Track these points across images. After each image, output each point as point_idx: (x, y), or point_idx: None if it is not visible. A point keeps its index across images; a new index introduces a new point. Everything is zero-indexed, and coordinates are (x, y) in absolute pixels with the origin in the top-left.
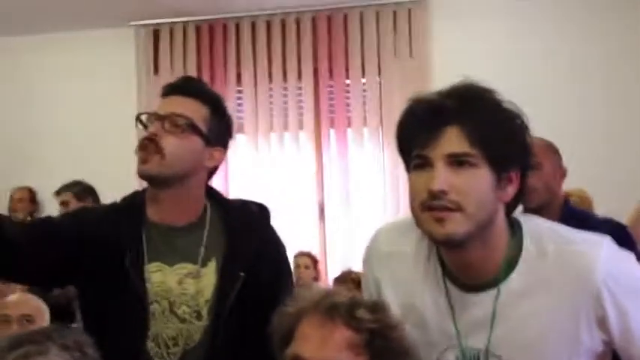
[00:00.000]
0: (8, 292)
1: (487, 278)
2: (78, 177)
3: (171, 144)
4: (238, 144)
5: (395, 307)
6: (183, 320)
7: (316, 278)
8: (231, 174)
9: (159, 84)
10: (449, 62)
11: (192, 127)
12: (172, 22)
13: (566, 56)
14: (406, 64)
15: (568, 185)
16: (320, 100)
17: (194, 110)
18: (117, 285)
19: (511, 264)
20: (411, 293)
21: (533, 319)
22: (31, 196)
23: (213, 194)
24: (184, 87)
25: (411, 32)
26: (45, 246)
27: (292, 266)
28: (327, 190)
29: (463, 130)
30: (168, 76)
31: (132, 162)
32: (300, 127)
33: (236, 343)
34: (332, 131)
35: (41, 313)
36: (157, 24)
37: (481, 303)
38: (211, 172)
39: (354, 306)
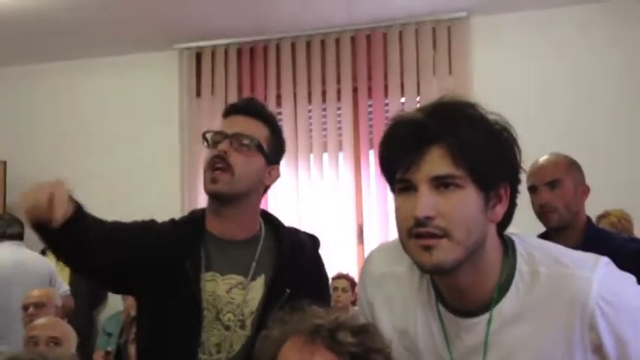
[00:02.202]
0: (41, 315)
1: (480, 302)
2: (123, 194)
3: (240, 162)
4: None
5: (388, 330)
6: (227, 327)
7: (354, 302)
8: (270, 195)
9: (200, 105)
10: (488, 79)
11: (258, 147)
12: (214, 45)
13: (606, 73)
14: (445, 81)
15: (611, 205)
16: (359, 120)
17: (257, 130)
18: (175, 293)
19: (504, 287)
20: (404, 316)
21: (526, 345)
22: None
23: (268, 217)
24: (247, 107)
25: (451, 50)
26: (112, 247)
27: (331, 289)
28: (366, 212)
29: (447, 149)
30: (209, 98)
31: (175, 179)
32: (340, 147)
33: None
34: (371, 152)
35: (68, 337)
36: (200, 47)
37: (474, 329)
38: (267, 189)
39: (336, 328)
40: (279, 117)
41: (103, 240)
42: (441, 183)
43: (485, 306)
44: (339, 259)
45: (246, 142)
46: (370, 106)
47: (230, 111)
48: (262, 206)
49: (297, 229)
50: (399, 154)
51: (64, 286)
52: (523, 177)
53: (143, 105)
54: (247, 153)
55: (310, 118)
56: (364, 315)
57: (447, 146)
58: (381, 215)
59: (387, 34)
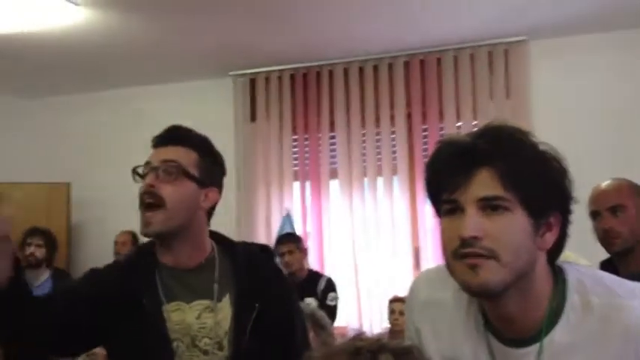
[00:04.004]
0: None
1: (529, 332)
2: None
3: (169, 192)
4: (332, 189)
5: (435, 357)
6: (205, 352)
7: None
8: (325, 219)
9: (256, 131)
10: (548, 102)
11: (184, 172)
12: (268, 71)
13: None
14: (503, 105)
15: None
16: (414, 144)
17: (183, 156)
18: (140, 330)
19: (554, 317)
20: (452, 344)
21: None
22: (134, 239)
23: (217, 237)
24: (171, 136)
25: (508, 73)
26: (69, 316)
27: (387, 312)
28: (422, 235)
29: (496, 172)
30: (264, 123)
31: (232, 203)
32: (394, 171)
33: None
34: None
35: None
36: (254, 73)
37: (523, 359)
38: (209, 212)
39: (378, 350)
40: (332, 141)
41: (56, 318)
42: (489, 205)
43: (535, 336)
44: (395, 282)
45: (171, 170)
46: (425, 130)
47: (156, 143)
48: (317, 231)
49: (247, 242)
50: (447, 175)
51: None
52: (577, 206)
53: (200, 130)
54: (175, 182)
55: (364, 142)
56: (412, 341)
57: (496, 169)
58: (437, 238)
59: (442, 59)
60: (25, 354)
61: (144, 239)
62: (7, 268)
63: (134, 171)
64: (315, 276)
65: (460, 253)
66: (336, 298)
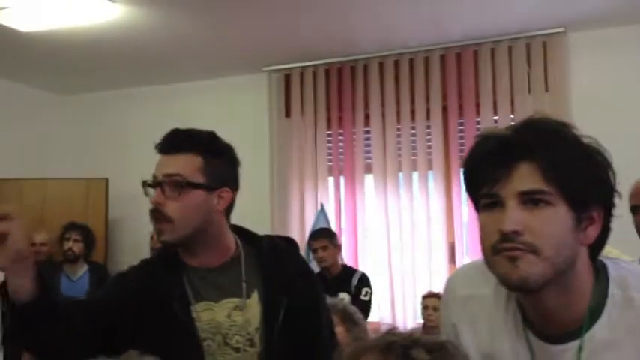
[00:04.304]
0: None
1: (569, 328)
2: None
3: (175, 210)
4: (366, 184)
5: (474, 355)
6: (237, 350)
7: None
8: (359, 214)
9: (290, 126)
10: (588, 95)
11: (189, 184)
12: (303, 66)
13: None
14: (541, 98)
15: None
16: (449, 138)
17: (187, 165)
18: (170, 331)
19: (595, 313)
20: (490, 340)
21: None
22: None
23: (241, 232)
24: (173, 143)
25: (547, 66)
26: (97, 324)
27: (421, 307)
28: (457, 230)
29: (537, 166)
30: (299, 119)
31: (266, 198)
32: (429, 166)
33: None
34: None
35: None
36: (289, 68)
37: (564, 355)
38: (227, 211)
39: (410, 345)
40: (366, 136)
41: (86, 326)
42: (530, 199)
43: (576, 332)
44: (429, 277)
45: (174, 185)
46: (461, 124)
47: (160, 151)
48: (351, 226)
49: (271, 235)
50: (487, 168)
51: None
52: (619, 202)
53: (235, 126)
54: (181, 197)
55: (399, 137)
56: (448, 337)
57: (537, 162)
58: (472, 233)
59: (479, 52)
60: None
61: None
62: (27, 285)
63: (144, 185)
64: (348, 271)
65: (500, 248)
66: (369, 293)
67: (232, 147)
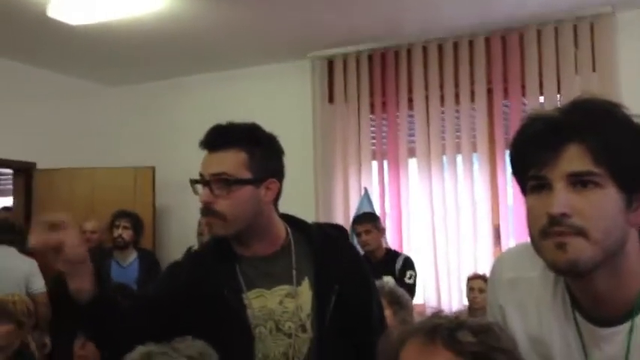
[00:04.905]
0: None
1: (620, 311)
2: None
3: (225, 207)
4: (410, 168)
5: (521, 338)
6: (290, 335)
7: None
8: (403, 197)
9: (334, 112)
10: (635, 76)
11: (235, 181)
12: (346, 52)
13: None
14: (588, 79)
15: None
16: (494, 121)
17: (231, 162)
18: (221, 318)
19: None
20: (538, 324)
21: None
22: None
23: (291, 220)
24: (217, 141)
25: (594, 46)
26: (158, 312)
27: (466, 289)
28: (502, 213)
29: (586, 147)
30: (342, 104)
31: (310, 184)
32: (474, 149)
33: (341, 355)
34: (507, 152)
35: None
36: (332, 54)
37: (614, 338)
38: (275, 200)
39: (456, 328)
40: (410, 119)
41: (143, 319)
42: (579, 181)
43: (626, 314)
44: (475, 259)
45: (222, 184)
46: (506, 106)
47: (204, 147)
48: (396, 210)
49: (320, 223)
50: (535, 150)
51: (37, 284)
52: None
53: (279, 113)
54: (229, 194)
55: (443, 119)
56: (495, 319)
57: (586, 143)
58: (517, 216)
59: (524, 33)
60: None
61: None
62: (88, 286)
63: (192, 184)
64: (393, 255)
65: (548, 231)
66: (413, 276)
67: (275, 136)
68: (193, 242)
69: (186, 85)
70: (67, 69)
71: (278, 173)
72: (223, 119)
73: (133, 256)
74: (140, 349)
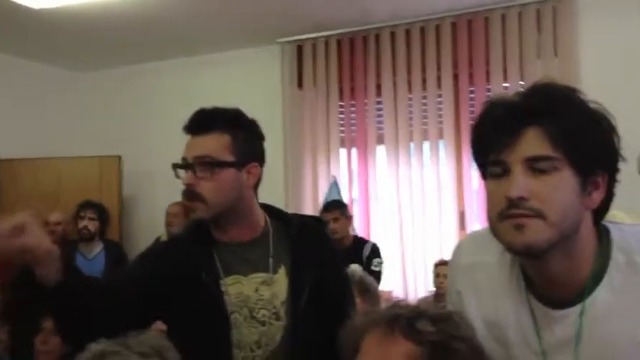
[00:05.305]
0: None
1: (572, 293)
2: None
3: (207, 189)
4: (378, 154)
5: (477, 321)
6: (263, 323)
7: None
8: (371, 184)
9: (303, 98)
10: (596, 60)
11: (219, 164)
12: (315, 37)
13: None
14: (550, 64)
15: None
16: (460, 107)
17: (215, 145)
18: (198, 303)
19: (598, 277)
20: (494, 307)
21: (621, 337)
22: (185, 211)
23: (271, 210)
24: (200, 124)
25: (556, 31)
26: (129, 297)
27: (432, 275)
28: (468, 199)
29: (544, 131)
30: (311, 90)
31: (280, 170)
32: (441, 135)
33: (314, 343)
34: None
35: None
36: (301, 40)
37: (565, 320)
38: (256, 186)
39: (415, 317)
40: (378, 106)
41: (117, 298)
42: (537, 165)
43: (578, 297)
44: (440, 245)
45: (205, 166)
46: (472, 92)
47: (187, 131)
48: (363, 196)
49: (300, 214)
50: (494, 135)
51: None
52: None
53: (248, 98)
54: (212, 176)
55: (410, 106)
56: (453, 305)
57: (544, 127)
58: (483, 202)
59: (489, 18)
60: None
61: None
62: (54, 272)
63: (174, 167)
64: (360, 242)
65: (506, 214)
66: (380, 264)
67: (256, 121)
68: (161, 233)
69: (153, 71)
70: (30, 54)
71: (260, 158)
72: (191, 106)
73: (98, 248)
74: (91, 349)
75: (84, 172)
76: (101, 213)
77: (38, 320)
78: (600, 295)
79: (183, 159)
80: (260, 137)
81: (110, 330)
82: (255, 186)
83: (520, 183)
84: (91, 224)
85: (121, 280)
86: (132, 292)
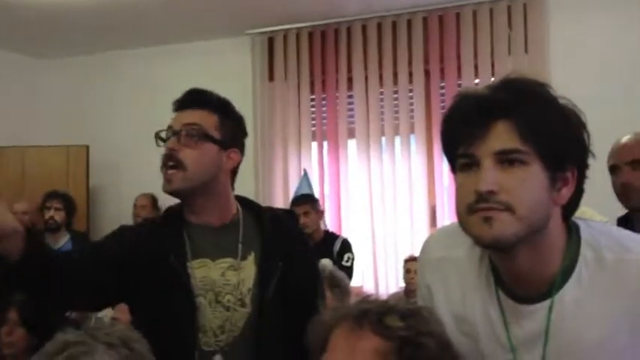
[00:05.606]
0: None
1: (541, 289)
2: None
3: (189, 156)
4: (349, 148)
5: (446, 316)
6: (228, 309)
7: None
8: (342, 178)
9: (274, 90)
10: (566, 57)
11: (205, 136)
12: (286, 29)
13: None
14: (521, 61)
15: None
16: (431, 102)
17: (204, 119)
18: (165, 285)
19: (566, 273)
20: (462, 302)
21: (589, 333)
22: (153, 203)
23: (244, 201)
24: (192, 100)
25: (527, 28)
26: (96, 273)
27: (403, 271)
28: (439, 194)
29: (514, 124)
30: (282, 82)
31: (250, 162)
32: (412, 130)
33: (278, 333)
34: None
35: None
36: (271, 31)
37: (534, 316)
38: (233, 172)
39: (384, 313)
40: (349, 100)
41: (83, 273)
42: (506, 158)
43: (547, 292)
44: (411, 241)
45: (192, 133)
46: (443, 87)
47: (177, 106)
48: (335, 190)
49: (272, 207)
50: (463, 128)
51: None
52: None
53: (218, 90)
54: (196, 145)
55: (382, 100)
56: (423, 300)
57: (514, 121)
58: (453, 196)
59: (460, 14)
60: (51, 309)
61: (163, 203)
62: (19, 246)
63: (157, 135)
64: (330, 237)
65: (475, 208)
66: (351, 259)
67: (244, 118)
68: (128, 224)
69: (121, 60)
70: None
71: (241, 148)
72: (160, 96)
73: (64, 239)
74: (56, 339)
75: (50, 161)
76: (67, 203)
77: (2, 311)
78: (568, 291)
79: (169, 127)
80: (245, 132)
81: (73, 304)
82: (233, 175)
83: (489, 177)
84: (57, 214)
85: (88, 256)
86: (98, 268)
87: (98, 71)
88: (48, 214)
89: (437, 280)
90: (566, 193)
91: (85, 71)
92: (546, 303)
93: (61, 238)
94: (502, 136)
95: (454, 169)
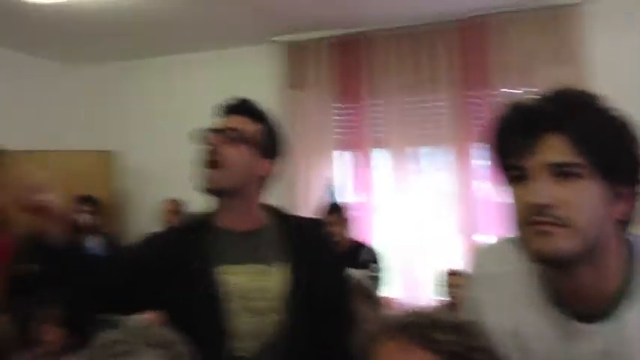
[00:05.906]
0: None
1: (598, 307)
2: None
3: (229, 153)
4: (375, 158)
5: (497, 331)
6: (258, 315)
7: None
8: (368, 188)
9: (299, 99)
10: (604, 68)
11: (243, 139)
12: (309, 38)
13: None
14: (553, 71)
15: None
16: (461, 112)
17: (247, 126)
18: (192, 292)
19: (626, 292)
20: (515, 318)
21: None
22: (177, 208)
23: (271, 208)
24: (238, 107)
25: (560, 38)
26: (124, 277)
27: (446, 284)
28: (470, 206)
29: (568, 137)
30: (306, 91)
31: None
32: (440, 141)
33: (307, 340)
34: (475, 144)
35: None
36: (296, 40)
37: (591, 335)
38: (264, 181)
39: (432, 326)
40: (376, 109)
41: (105, 266)
42: (561, 171)
43: (604, 311)
44: (441, 252)
45: (234, 134)
46: (469, 97)
47: (225, 112)
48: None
49: (300, 215)
50: (515, 139)
51: None
52: None
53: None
54: (236, 145)
55: (409, 110)
56: (469, 314)
57: (568, 133)
58: (484, 209)
59: (490, 24)
60: (81, 312)
61: (187, 208)
62: (63, 237)
63: (193, 134)
64: (357, 246)
65: (531, 221)
66: (377, 269)
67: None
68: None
69: (146, 68)
70: (24, 47)
71: (277, 160)
72: (184, 104)
73: (94, 242)
74: (102, 337)
75: (78, 166)
76: (97, 207)
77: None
78: (628, 312)
79: (212, 128)
80: (283, 147)
81: (104, 306)
82: (264, 184)
83: (544, 190)
84: (87, 218)
85: (119, 261)
86: (127, 273)
87: (124, 79)
88: (79, 217)
89: (487, 297)
90: (622, 207)
91: (111, 79)
92: (605, 323)
93: (90, 242)
94: (555, 149)
95: (504, 180)
